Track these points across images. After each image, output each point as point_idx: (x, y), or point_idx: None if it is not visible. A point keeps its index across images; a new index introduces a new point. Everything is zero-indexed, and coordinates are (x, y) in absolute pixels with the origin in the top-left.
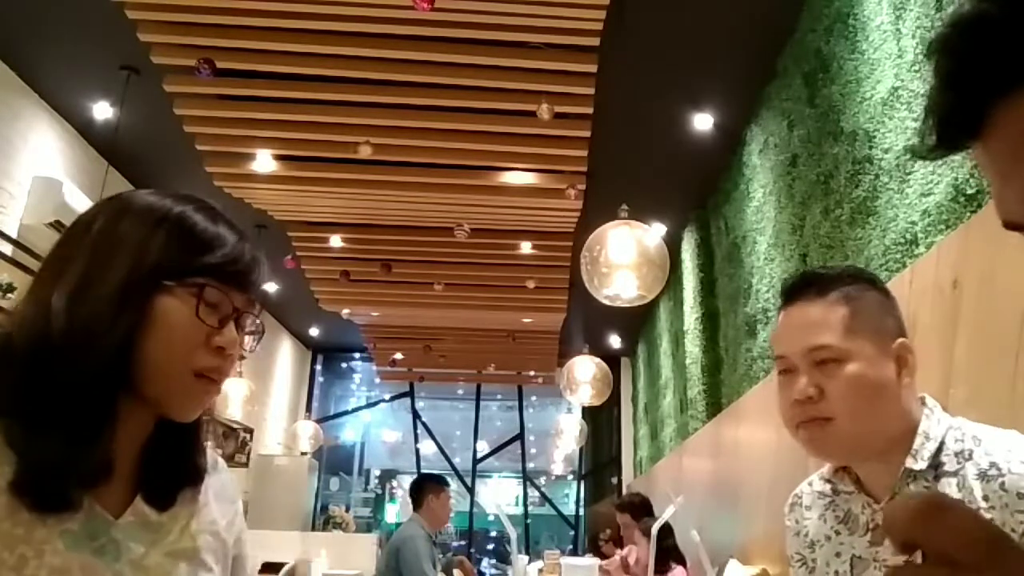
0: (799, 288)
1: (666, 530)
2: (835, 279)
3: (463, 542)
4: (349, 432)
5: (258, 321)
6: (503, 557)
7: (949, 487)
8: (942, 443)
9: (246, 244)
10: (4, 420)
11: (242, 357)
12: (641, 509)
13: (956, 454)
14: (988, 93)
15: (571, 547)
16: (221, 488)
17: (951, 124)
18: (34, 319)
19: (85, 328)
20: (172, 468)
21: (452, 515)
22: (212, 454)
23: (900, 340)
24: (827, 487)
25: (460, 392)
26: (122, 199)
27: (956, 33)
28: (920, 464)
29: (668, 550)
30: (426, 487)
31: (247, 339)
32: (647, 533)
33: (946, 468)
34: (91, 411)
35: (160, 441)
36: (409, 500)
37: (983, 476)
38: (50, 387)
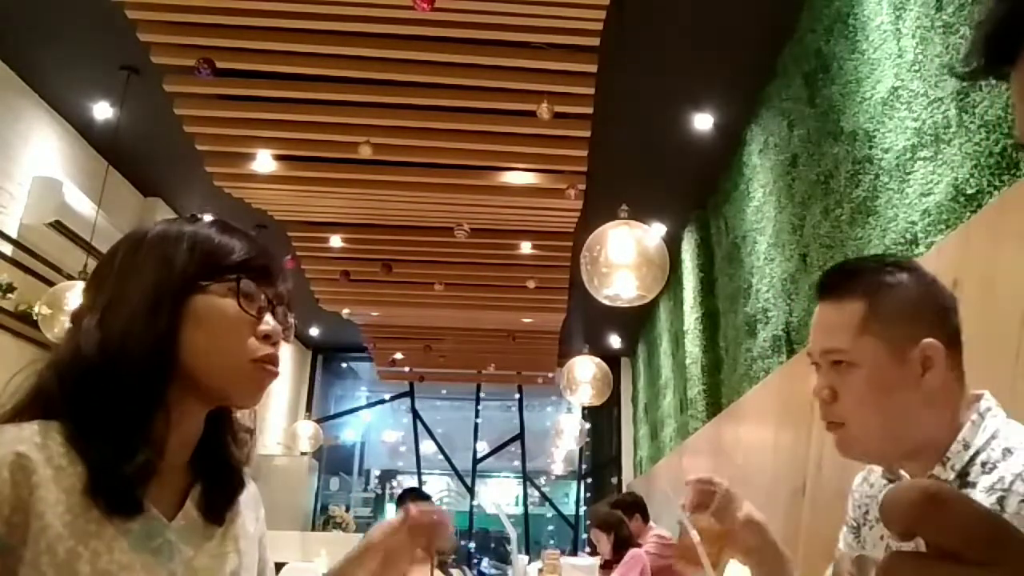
0: (827, 282)
1: (620, 522)
2: (865, 271)
3: (463, 542)
4: (349, 432)
5: (291, 315)
6: (503, 557)
7: None
8: (976, 453)
9: (259, 242)
10: (70, 426)
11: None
12: (633, 508)
13: (983, 464)
14: None
15: (571, 547)
16: (250, 497)
17: (997, 41)
18: (70, 345)
19: (118, 338)
20: (223, 482)
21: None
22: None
23: (926, 340)
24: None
25: (460, 392)
26: (139, 231)
27: None
28: (948, 474)
29: (624, 539)
30: (405, 500)
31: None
32: (604, 528)
33: (970, 479)
34: (137, 416)
35: (207, 451)
36: None
37: (990, 490)
38: (97, 399)
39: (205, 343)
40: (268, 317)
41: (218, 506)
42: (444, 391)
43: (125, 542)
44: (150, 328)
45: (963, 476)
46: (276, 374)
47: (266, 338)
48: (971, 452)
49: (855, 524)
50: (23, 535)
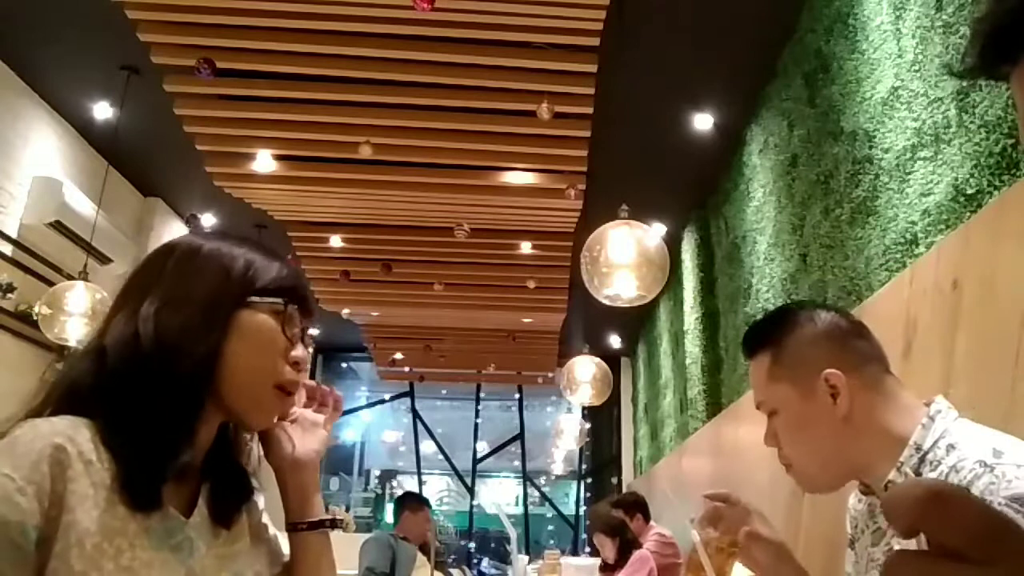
0: (743, 343)
1: (623, 526)
2: (768, 324)
3: (463, 542)
4: (349, 432)
5: (311, 347)
6: (503, 557)
7: None
8: (925, 453)
9: (301, 275)
10: (100, 422)
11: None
12: (635, 507)
13: (930, 463)
14: None
15: (571, 547)
16: (254, 498)
17: (997, 41)
18: (124, 332)
19: (175, 338)
20: (231, 485)
21: (430, 530)
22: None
23: (826, 371)
24: None
25: (460, 392)
26: (192, 241)
27: None
28: (901, 478)
29: (629, 542)
30: (404, 505)
31: None
32: (608, 533)
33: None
34: (182, 415)
35: (215, 455)
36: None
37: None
38: (143, 393)
39: (243, 357)
40: (299, 345)
41: (226, 508)
42: (444, 391)
43: (146, 540)
44: (208, 331)
45: (917, 476)
46: (291, 404)
47: (295, 364)
48: (921, 454)
49: (851, 539)
50: (55, 528)
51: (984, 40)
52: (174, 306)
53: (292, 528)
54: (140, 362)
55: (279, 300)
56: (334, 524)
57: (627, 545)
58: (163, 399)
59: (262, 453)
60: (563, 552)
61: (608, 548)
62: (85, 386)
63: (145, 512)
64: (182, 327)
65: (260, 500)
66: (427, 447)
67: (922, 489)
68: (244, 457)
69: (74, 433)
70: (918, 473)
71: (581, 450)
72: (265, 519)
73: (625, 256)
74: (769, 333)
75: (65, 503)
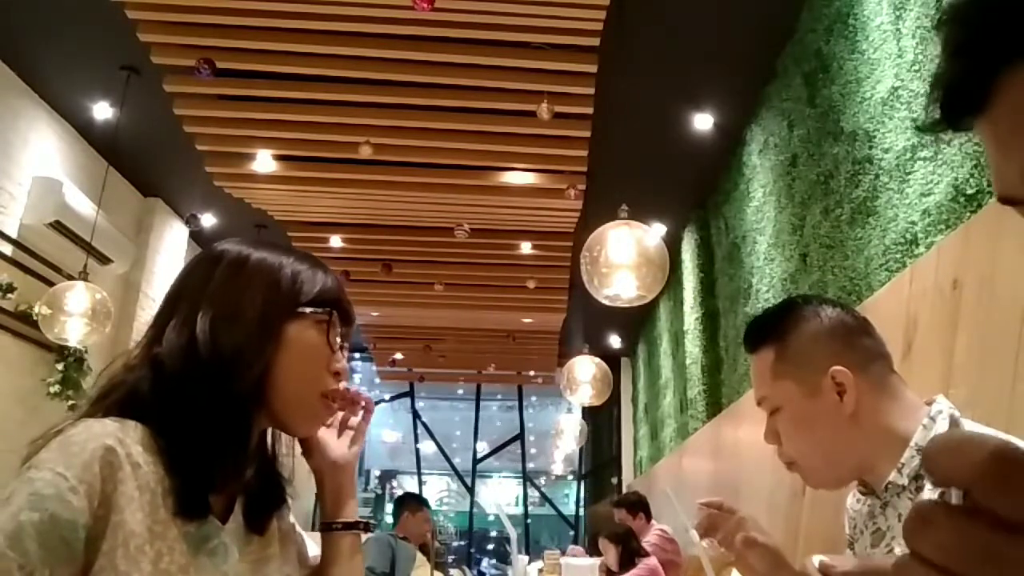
0: (745, 337)
1: (628, 534)
2: (771, 319)
3: (463, 542)
4: None
5: (346, 358)
6: (503, 557)
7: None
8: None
9: (342, 285)
10: (152, 427)
11: None
12: (637, 506)
13: None
14: (996, 63)
15: (571, 547)
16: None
17: (958, 95)
18: (179, 343)
19: (232, 353)
20: (268, 492)
21: (430, 531)
22: None
23: (833, 368)
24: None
25: (460, 392)
26: (241, 250)
27: (966, 2)
28: (903, 479)
29: (632, 552)
30: (404, 505)
31: None
32: (613, 540)
33: (923, 481)
34: (238, 427)
35: (257, 461)
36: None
37: (934, 488)
38: (201, 404)
39: (291, 368)
40: (341, 354)
41: (260, 515)
42: (444, 391)
43: (184, 544)
44: (262, 346)
45: (917, 479)
46: (333, 412)
47: (336, 375)
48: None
49: (850, 541)
50: (104, 528)
51: (945, 98)
52: (229, 319)
53: (326, 528)
54: (199, 373)
55: (325, 311)
56: (367, 527)
57: (631, 554)
58: (221, 411)
59: (298, 459)
60: (563, 552)
61: (611, 555)
62: (143, 392)
63: (189, 518)
64: (239, 342)
65: (289, 504)
66: (427, 447)
67: (990, 447)
68: (280, 465)
69: (124, 436)
70: (919, 475)
71: (581, 450)
72: (292, 520)
73: (625, 256)
74: (773, 328)
75: (114, 503)
